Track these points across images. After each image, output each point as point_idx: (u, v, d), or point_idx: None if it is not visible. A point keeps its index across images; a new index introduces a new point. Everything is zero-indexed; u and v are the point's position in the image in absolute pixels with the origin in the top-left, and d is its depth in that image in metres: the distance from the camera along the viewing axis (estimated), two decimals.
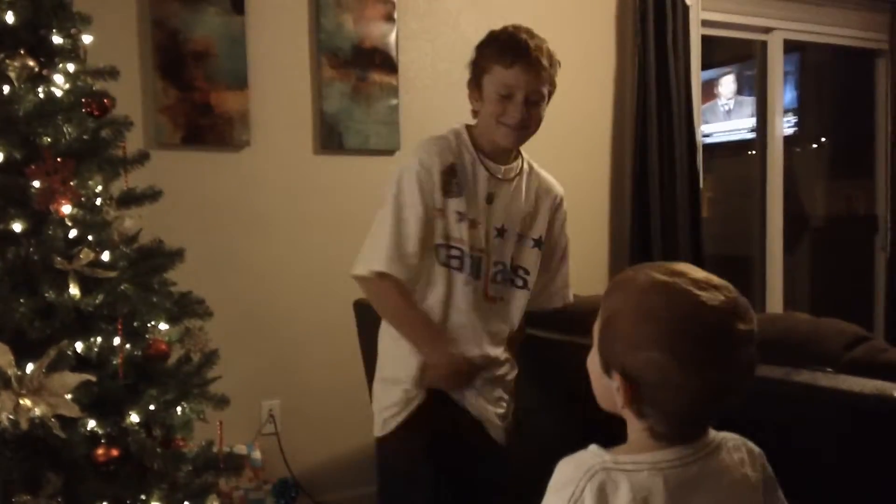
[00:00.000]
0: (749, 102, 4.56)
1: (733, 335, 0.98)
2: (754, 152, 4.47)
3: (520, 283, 2.00)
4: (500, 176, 1.93)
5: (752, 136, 4.52)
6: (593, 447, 1.03)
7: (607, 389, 1.04)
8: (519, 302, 2.00)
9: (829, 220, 5.12)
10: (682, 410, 0.99)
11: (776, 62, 4.28)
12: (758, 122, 4.45)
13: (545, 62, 1.82)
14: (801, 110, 4.88)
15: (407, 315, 1.91)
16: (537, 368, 2.22)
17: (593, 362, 1.06)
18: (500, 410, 1.98)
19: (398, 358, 1.93)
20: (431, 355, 1.89)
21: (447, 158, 1.88)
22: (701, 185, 3.84)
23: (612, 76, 3.76)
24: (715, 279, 1.02)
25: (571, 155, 3.61)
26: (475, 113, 1.93)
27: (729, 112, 4.67)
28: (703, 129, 4.22)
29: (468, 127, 1.95)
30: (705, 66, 4.15)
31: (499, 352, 1.98)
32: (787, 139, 4.42)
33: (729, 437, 1.08)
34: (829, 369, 1.76)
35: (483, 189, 1.91)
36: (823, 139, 5.24)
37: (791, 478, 1.71)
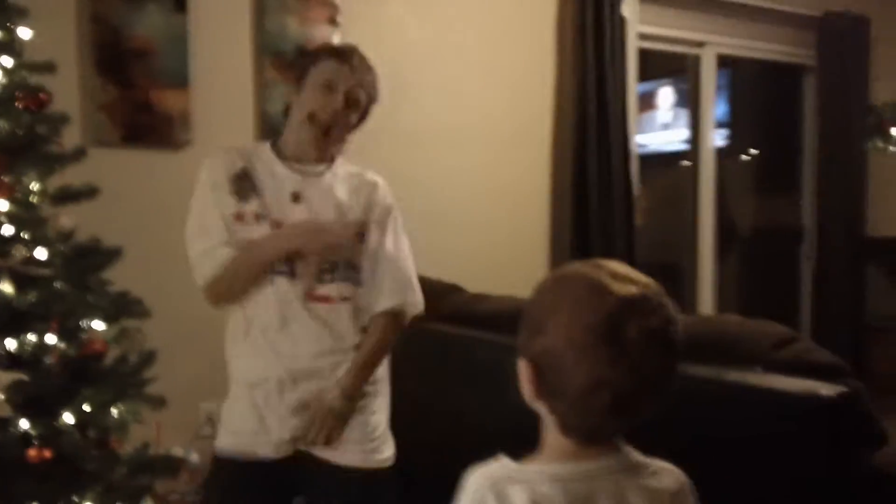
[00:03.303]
0: (686, 114, 4.69)
1: (629, 327, 0.93)
2: (688, 163, 4.59)
3: (353, 278, 1.84)
4: (305, 174, 1.86)
5: (687, 147, 4.65)
6: (502, 457, 1.01)
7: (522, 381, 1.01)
8: (358, 300, 1.84)
9: (756, 229, 5.29)
10: (581, 404, 0.95)
11: (709, 76, 4.41)
12: (691, 134, 4.57)
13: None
14: (732, 123, 5.03)
15: (242, 263, 1.86)
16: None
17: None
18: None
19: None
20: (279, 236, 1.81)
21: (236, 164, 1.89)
22: (635, 193, 3.91)
23: (552, 86, 3.81)
24: (636, 275, 0.99)
25: (513, 161, 3.67)
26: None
27: (667, 124, 4.79)
28: (642, 139, 4.32)
29: None
30: (646, 78, 4.25)
31: (327, 364, 1.80)
32: (719, 151, 4.55)
33: (658, 463, 1.04)
34: (759, 368, 1.83)
35: (288, 188, 1.85)
36: (754, 151, 5.41)
37: (718, 474, 1.77)
